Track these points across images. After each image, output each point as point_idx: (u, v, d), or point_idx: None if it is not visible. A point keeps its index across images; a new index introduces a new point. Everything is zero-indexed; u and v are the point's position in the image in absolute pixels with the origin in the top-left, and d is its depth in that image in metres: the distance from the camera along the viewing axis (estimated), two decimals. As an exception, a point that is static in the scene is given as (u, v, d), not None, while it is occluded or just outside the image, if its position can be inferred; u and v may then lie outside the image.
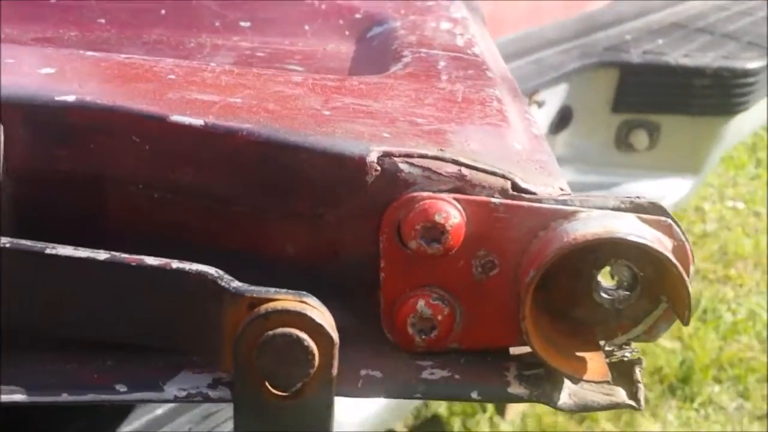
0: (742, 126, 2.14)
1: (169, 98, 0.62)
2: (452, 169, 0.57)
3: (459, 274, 0.57)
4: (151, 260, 0.56)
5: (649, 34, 2.13)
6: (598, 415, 2.60)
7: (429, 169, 0.56)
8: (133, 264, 0.56)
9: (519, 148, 0.63)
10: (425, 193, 0.56)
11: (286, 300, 0.54)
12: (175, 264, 0.56)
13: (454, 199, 0.56)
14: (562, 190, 0.58)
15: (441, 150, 0.58)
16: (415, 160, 0.57)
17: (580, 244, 0.52)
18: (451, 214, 0.55)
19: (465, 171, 0.57)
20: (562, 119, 2.04)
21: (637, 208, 0.56)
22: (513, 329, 0.56)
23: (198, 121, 0.59)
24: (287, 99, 0.65)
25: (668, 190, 2.11)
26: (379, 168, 0.56)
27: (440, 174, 0.56)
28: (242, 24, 0.98)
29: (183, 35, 0.96)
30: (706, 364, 2.81)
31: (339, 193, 0.57)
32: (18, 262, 0.56)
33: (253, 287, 0.55)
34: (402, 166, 0.57)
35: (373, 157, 0.56)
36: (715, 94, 2.00)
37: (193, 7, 0.99)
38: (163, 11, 0.98)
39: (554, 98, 1.97)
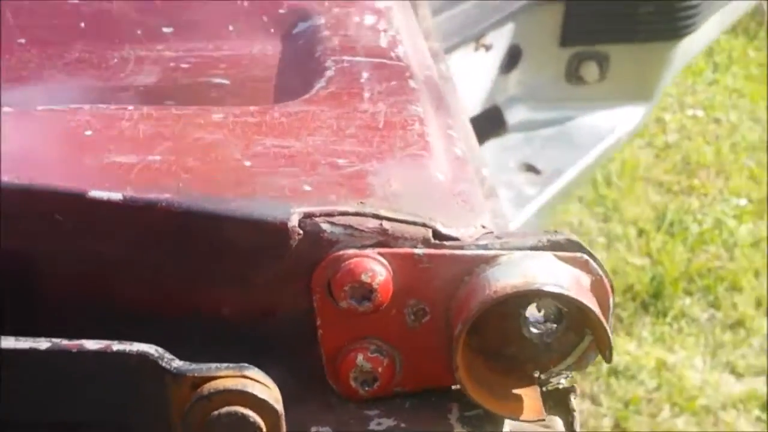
0: (691, 47, 2.14)
1: (87, 166, 0.62)
2: (374, 224, 0.57)
3: (393, 325, 0.58)
4: (91, 344, 0.56)
5: (590, -36, 2.10)
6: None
7: (351, 226, 0.57)
8: (74, 350, 0.56)
9: (441, 179, 0.63)
10: (350, 251, 0.56)
11: (228, 377, 0.55)
12: (116, 346, 0.56)
13: (379, 254, 0.56)
14: (483, 227, 0.59)
15: (361, 203, 0.58)
16: (336, 219, 0.57)
17: (501, 298, 0.53)
18: (377, 271, 0.56)
19: (386, 224, 0.57)
20: (512, 58, 2.02)
21: (554, 245, 0.57)
22: (451, 370, 0.58)
23: (117, 195, 0.58)
24: (207, 149, 0.65)
25: (621, 119, 2.12)
26: (301, 231, 0.56)
27: (362, 230, 0.57)
28: (164, 30, 0.95)
29: (105, 48, 0.93)
30: (675, 277, 2.87)
31: (264, 257, 0.57)
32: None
33: (194, 366, 0.56)
34: (324, 226, 0.57)
35: (294, 221, 0.56)
36: (661, 20, 1.99)
37: (113, 16, 0.97)
38: (82, 24, 0.96)
39: (502, 39, 1.96)
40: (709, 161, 3.33)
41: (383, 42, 0.87)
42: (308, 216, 0.57)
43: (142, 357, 0.56)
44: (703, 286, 2.85)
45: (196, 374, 0.56)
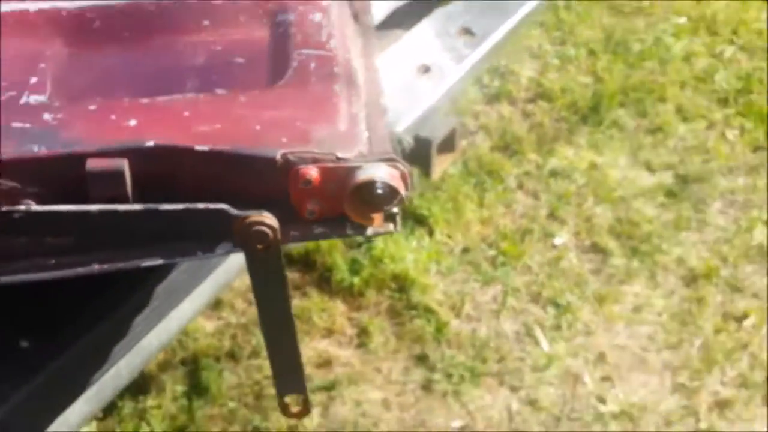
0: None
1: (189, 133, 1.63)
2: (311, 155, 1.59)
3: (320, 192, 1.61)
4: (200, 205, 1.61)
5: None
6: (525, 149, 3.69)
7: (303, 157, 1.59)
8: (192, 208, 1.61)
9: (343, 129, 1.64)
10: (302, 167, 1.59)
11: (258, 216, 1.59)
12: (201, 205, 1.60)
13: (314, 166, 1.59)
14: (361, 153, 1.61)
15: (307, 146, 1.60)
16: (296, 154, 1.59)
17: (359, 183, 1.56)
18: (314, 174, 1.58)
19: (318, 155, 1.59)
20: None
21: (386, 159, 1.58)
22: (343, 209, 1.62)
23: (205, 148, 1.60)
24: (241, 120, 1.66)
25: (543, -16, 3.02)
26: (282, 160, 1.59)
27: (307, 158, 1.59)
28: (204, 23, 1.94)
29: (171, 37, 1.92)
30: (613, 92, 3.84)
31: (265, 173, 1.60)
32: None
33: (244, 212, 1.60)
34: (291, 158, 1.59)
35: (279, 157, 1.59)
36: None
37: (178, 13, 1.94)
38: (155, 21, 1.94)
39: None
40: (658, -17, 4.18)
41: (324, 36, 1.84)
42: (285, 154, 1.59)
43: (221, 210, 1.61)
44: (635, 99, 3.83)
45: (245, 216, 1.60)
